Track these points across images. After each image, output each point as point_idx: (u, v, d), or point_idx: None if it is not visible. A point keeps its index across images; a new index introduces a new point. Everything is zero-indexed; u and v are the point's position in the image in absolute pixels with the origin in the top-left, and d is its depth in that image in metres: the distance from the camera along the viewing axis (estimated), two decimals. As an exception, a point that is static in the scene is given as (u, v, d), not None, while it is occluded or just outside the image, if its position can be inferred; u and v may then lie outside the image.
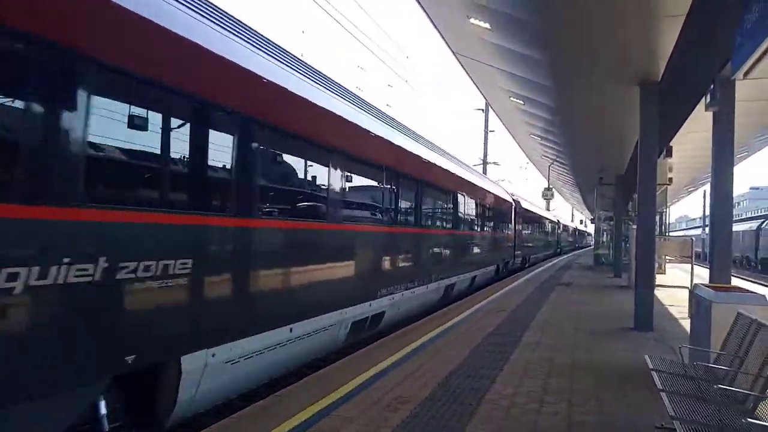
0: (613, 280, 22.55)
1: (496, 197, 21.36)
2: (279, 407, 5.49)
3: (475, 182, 17.89)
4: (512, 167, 62.43)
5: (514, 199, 26.11)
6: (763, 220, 46.71)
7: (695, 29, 8.36)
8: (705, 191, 55.51)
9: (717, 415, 4.21)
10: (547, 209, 46.22)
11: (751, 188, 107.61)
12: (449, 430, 4.97)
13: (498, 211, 21.51)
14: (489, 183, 21.89)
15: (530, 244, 32.19)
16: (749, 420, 3.79)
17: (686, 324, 11.29)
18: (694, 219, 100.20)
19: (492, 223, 20.44)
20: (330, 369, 7.12)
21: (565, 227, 62.68)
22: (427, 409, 5.55)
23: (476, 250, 17.97)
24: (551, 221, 45.43)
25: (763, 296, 6.57)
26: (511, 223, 24.79)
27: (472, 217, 17.20)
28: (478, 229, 18.27)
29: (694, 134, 15.40)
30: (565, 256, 49.19)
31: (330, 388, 6.12)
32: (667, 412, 4.15)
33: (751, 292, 7.08)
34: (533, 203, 37.41)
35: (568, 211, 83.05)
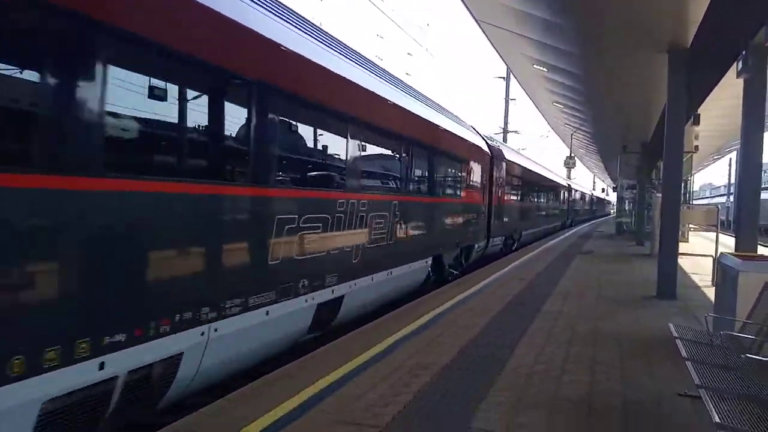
0: (635, 249, 22.38)
1: (452, 141, 13.33)
2: (301, 374, 5.58)
3: (402, 111, 10.12)
4: (533, 136, 61.50)
5: (490, 147, 17.74)
6: (790, 188, 45.68)
7: (728, -7, 8.10)
8: (731, 159, 54.50)
9: (743, 384, 4.21)
10: (568, 177, 44.20)
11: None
12: (469, 397, 5.03)
13: (457, 165, 13.87)
14: (436, 116, 12.45)
15: (521, 217, 23.68)
16: (776, 389, 3.78)
17: (710, 293, 11.22)
18: (718, 187, 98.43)
19: (444, 185, 13.18)
20: (348, 338, 7.18)
21: (579, 193, 54.18)
22: (448, 375, 5.62)
23: (403, 229, 10.12)
24: (557, 184, 35.90)
25: (792, 266, 6.47)
26: (483, 184, 16.28)
27: (396, 174, 10.25)
28: (410, 194, 10.85)
29: (722, 101, 15.04)
30: (582, 226, 46.19)
31: (350, 356, 6.20)
32: (693, 380, 4.16)
33: (779, 261, 6.99)
34: (529, 158, 29.56)
35: (589, 179, 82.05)
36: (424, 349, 6.57)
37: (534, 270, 14.50)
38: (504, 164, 19.37)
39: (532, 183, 26.47)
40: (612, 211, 78.39)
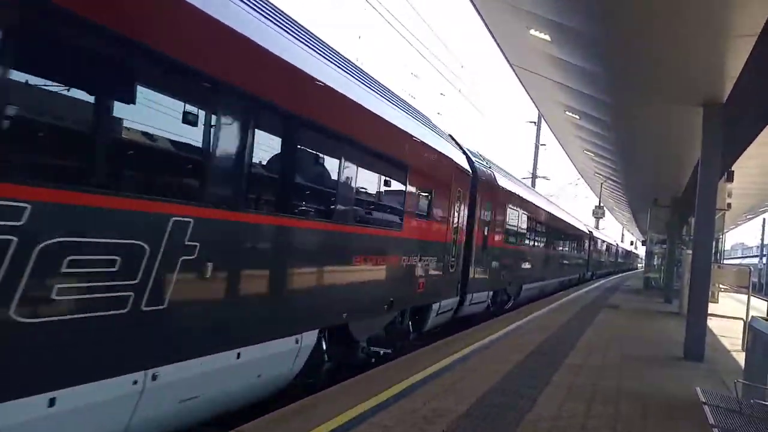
0: (662, 306, 21.80)
1: (396, 138, 8.89)
2: (315, 411, 5.48)
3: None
4: (562, 183, 61.24)
5: (474, 167, 13.06)
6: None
7: (766, 50, 8.00)
8: (765, 219, 53.39)
9: (774, 458, 3.98)
10: (596, 227, 43.00)
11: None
12: (486, 449, 4.85)
13: (401, 177, 8.98)
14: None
15: (523, 265, 18.55)
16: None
17: (738, 357, 10.81)
18: (750, 247, 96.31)
19: (370, 206, 8.38)
20: (366, 376, 7.07)
21: (605, 244, 48.82)
22: (464, 425, 5.44)
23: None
24: (576, 230, 30.59)
25: (827, 334, 6.19)
26: (457, 215, 11.69)
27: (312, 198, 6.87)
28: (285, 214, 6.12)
29: (757, 159, 14.79)
30: (607, 279, 43.35)
31: (366, 395, 6.07)
32: (720, 450, 3.94)
33: (814, 328, 6.69)
34: (539, 194, 24.73)
35: (618, 231, 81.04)
36: (441, 395, 6.39)
37: (558, 321, 14.18)
38: (497, 193, 14.87)
39: (542, 224, 21.42)
40: (639, 265, 76.75)
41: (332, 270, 7.16)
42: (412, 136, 9.49)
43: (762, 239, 57.40)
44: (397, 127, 8.90)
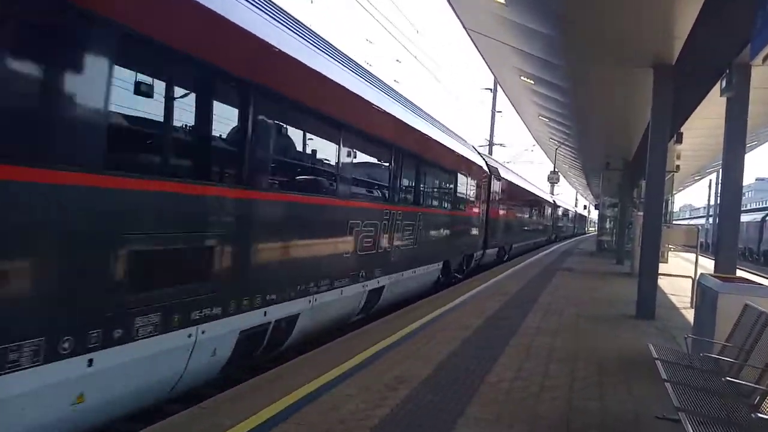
0: (615, 267, 22.43)
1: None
2: (279, 382, 5.41)
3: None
4: (519, 149, 61.94)
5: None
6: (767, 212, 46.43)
7: (714, 11, 8.09)
8: (711, 180, 55.26)
9: (723, 408, 4.10)
10: (551, 192, 44.48)
11: (757, 179, 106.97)
12: (448, 412, 4.88)
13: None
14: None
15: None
16: (757, 415, 3.68)
17: (688, 314, 11.21)
18: (698, 208, 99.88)
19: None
20: (327, 348, 7.03)
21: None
22: (426, 389, 5.46)
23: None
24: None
25: (772, 288, 6.43)
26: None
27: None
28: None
29: (704, 120, 15.14)
30: (565, 242, 47.14)
31: (329, 366, 6.03)
32: (672, 403, 4.04)
33: (759, 284, 6.96)
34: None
35: (572, 196, 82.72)
36: (403, 362, 6.40)
37: (515, 285, 14.41)
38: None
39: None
40: (590, 228, 79.18)
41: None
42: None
43: (708, 200, 59.55)
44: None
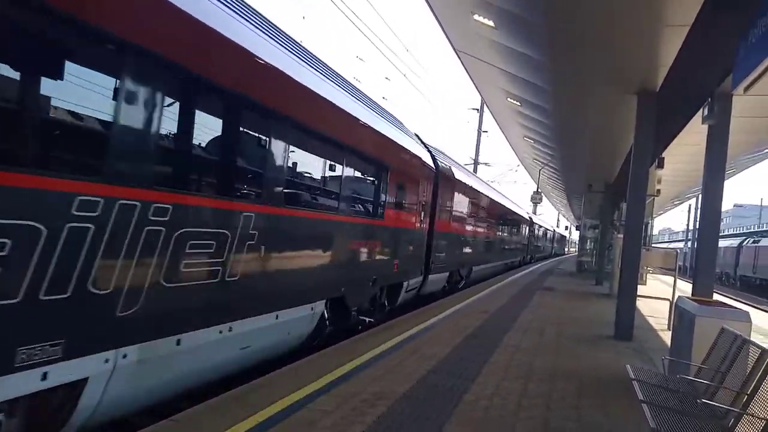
0: (594, 288, 22.63)
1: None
2: (254, 397, 5.36)
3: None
4: (503, 169, 62.43)
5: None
6: (744, 238, 47.27)
7: (697, 41, 8.31)
8: (690, 205, 56.15)
9: (698, 430, 4.16)
10: (534, 212, 44.19)
11: (735, 205, 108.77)
12: (425, 429, 4.88)
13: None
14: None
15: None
16: (731, 437, 3.74)
17: (665, 335, 11.35)
18: (677, 232, 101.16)
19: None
20: (306, 361, 6.98)
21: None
22: (404, 406, 5.46)
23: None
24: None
25: (747, 313, 6.55)
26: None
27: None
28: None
29: (685, 147, 15.45)
30: (546, 262, 46.18)
31: (307, 381, 6.00)
32: (648, 423, 4.09)
33: (735, 307, 7.07)
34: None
35: (554, 216, 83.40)
36: (382, 378, 6.39)
37: (496, 304, 14.47)
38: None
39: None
40: (571, 249, 79.42)
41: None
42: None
43: (687, 224, 60.42)
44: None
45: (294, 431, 4.57)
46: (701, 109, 9.49)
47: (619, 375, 7.15)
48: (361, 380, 6.21)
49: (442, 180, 14.75)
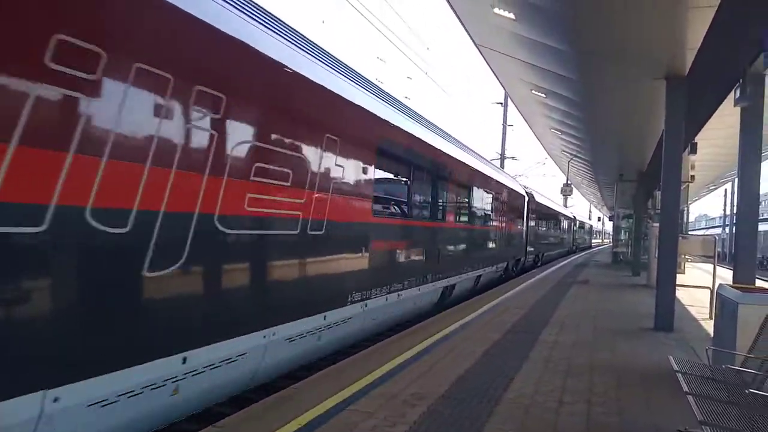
0: (631, 279, 22.24)
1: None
2: (296, 399, 5.42)
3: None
4: (530, 162, 62.03)
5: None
6: (786, 220, 45.85)
7: (726, 21, 8.11)
8: (726, 190, 54.76)
9: (746, 421, 4.05)
10: (565, 205, 44.82)
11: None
12: (467, 429, 4.86)
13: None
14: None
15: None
16: (783, 427, 3.63)
17: (707, 325, 11.08)
18: (713, 218, 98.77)
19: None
20: (346, 363, 7.03)
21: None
22: (445, 406, 5.45)
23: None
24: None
25: (793, 298, 6.35)
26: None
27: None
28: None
29: (718, 131, 15.09)
30: (583, 253, 48.83)
31: (347, 382, 6.04)
32: (695, 416, 4.00)
33: (779, 293, 6.87)
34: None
35: (585, 208, 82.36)
36: (420, 378, 6.39)
37: (531, 299, 14.34)
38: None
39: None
40: (601, 240, 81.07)
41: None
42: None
43: (724, 210, 58.95)
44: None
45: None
46: (733, 91, 9.25)
47: (662, 367, 7.02)
48: (401, 381, 6.21)
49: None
